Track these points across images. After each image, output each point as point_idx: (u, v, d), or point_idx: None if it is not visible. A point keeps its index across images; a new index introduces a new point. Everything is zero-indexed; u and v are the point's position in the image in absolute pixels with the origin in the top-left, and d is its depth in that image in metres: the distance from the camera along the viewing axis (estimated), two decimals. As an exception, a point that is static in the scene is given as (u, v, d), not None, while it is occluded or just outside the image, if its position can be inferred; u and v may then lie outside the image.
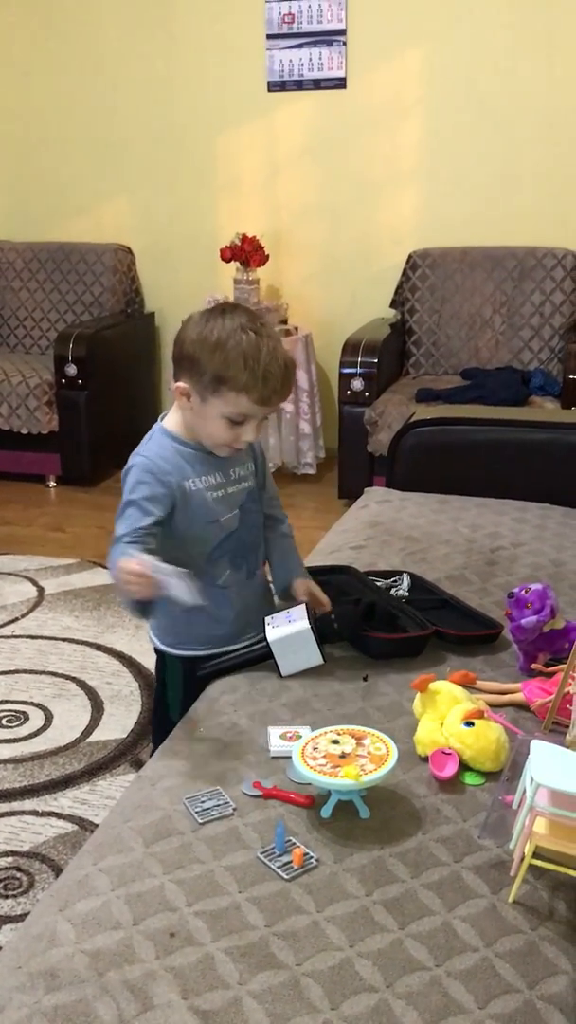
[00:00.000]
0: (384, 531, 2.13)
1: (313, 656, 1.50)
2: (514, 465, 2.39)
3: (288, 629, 1.50)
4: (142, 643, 2.69)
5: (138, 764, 2.17)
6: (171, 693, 1.67)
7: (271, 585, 1.69)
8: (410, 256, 4.10)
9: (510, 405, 3.38)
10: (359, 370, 3.71)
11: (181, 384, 1.47)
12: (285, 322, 4.20)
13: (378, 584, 1.79)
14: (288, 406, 4.06)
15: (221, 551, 1.56)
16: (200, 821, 1.18)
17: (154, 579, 1.26)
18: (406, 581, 1.82)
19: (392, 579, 1.84)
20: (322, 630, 1.52)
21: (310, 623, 1.49)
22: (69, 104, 4.53)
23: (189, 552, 1.51)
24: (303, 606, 1.54)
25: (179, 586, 1.25)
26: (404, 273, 4.11)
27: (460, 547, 2.03)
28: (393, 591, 1.79)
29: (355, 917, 1.03)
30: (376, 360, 3.71)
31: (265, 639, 1.51)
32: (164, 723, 1.62)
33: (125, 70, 4.41)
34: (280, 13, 4.12)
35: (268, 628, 1.52)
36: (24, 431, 4.04)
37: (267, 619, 1.54)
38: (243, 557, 1.59)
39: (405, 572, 1.85)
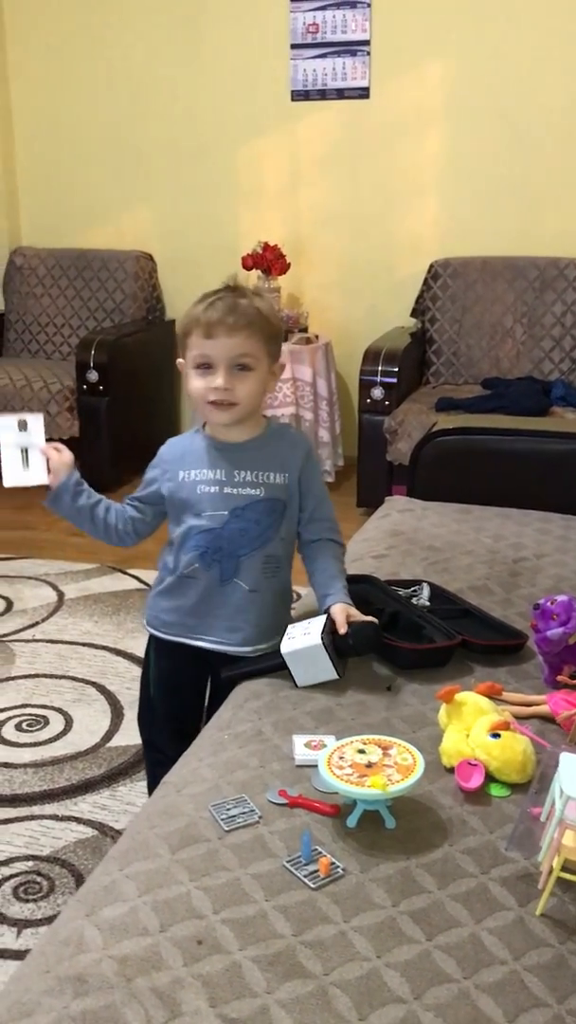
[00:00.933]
0: (406, 540, 2.13)
1: (327, 671, 1.49)
2: (537, 476, 2.39)
3: (300, 643, 1.50)
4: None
5: (158, 770, 2.18)
6: (151, 668, 1.75)
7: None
8: (431, 266, 4.10)
9: (531, 416, 3.37)
10: (379, 379, 3.71)
11: (179, 360, 1.59)
12: (305, 330, 4.21)
13: (399, 593, 1.79)
14: (307, 413, 4.07)
15: (194, 543, 1.59)
16: (226, 828, 1.18)
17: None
18: (426, 590, 1.82)
19: (412, 588, 1.83)
20: (338, 646, 1.51)
21: (322, 639, 1.48)
22: (93, 112, 4.57)
23: (173, 529, 1.64)
24: (323, 619, 1.53)
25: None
26: (425, 282, 4.12)
27: (483, 557, 2.02)
28: (414, 600, 1.79)
29: (382, 927, 1.03)
30: (396, 369, 3.71)
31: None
32: (144, 696, 1.79)
33: (149, 79, 4.44)
34: (304, 23, 4.14)
35: (285, 639, 1.52)
36: (45, 437, 4.05)
37: (288, 629, 1.54)
38: (216, 559, 1.59)
39: (424, 581, 1.84)
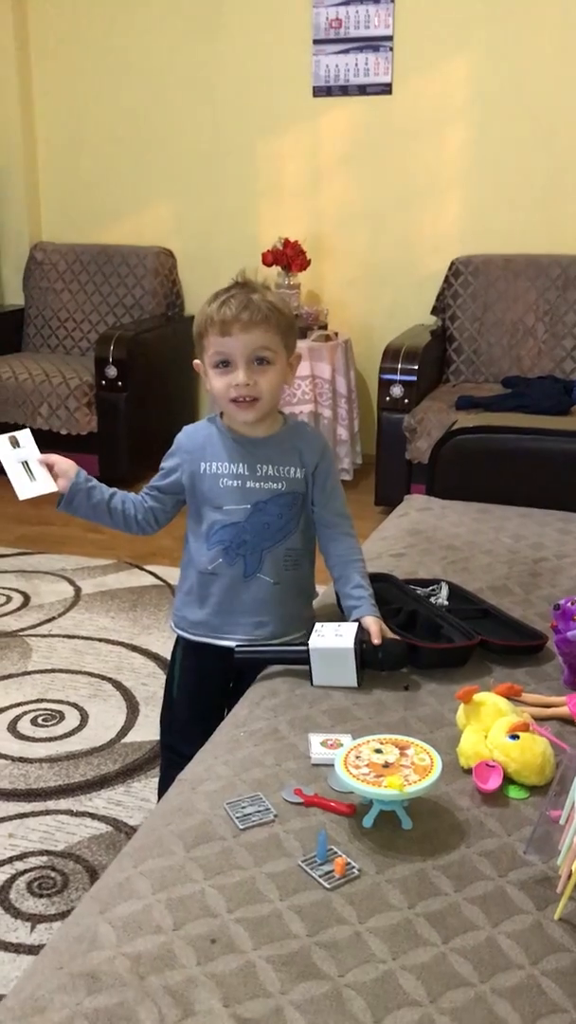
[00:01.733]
0: (425, 539, 2.11)
1: (349, 676, 1.48)
2: (557, 475, 2.37)
3: (332, 643, 1.48)
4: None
5: (173, 766, 2.17)
6: (176, 670, 1.74)
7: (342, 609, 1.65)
8: (453, 263, 4.08)
9: (552, 415, 3.35)
10: (399, 376, 3.69)
11: (196, 361, 1.59)
12: (325, 327, 4.19)
13: (418, 592, 1.78)
14: (326, 411, 4.05)
15: (217, 538, 1.59)
16: (241, 827, 1.17)
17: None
18: (444, 590, 1.80)
19: (430, 587, 1.82)
20: (366, 656, 1.50)
21: (355, 646, 1.47)
22: (114, 108, 4.57)
23: (193, 527, 1.63)
24: (355, 625, 1.52)
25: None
26: (446, 280, 4.09)
27: (502, 557, 2.00)
28: (432, 599, 1.77)
29: (397, 929, 1.02)
30: (416, 367, 3.69)
31: (307, 644, 1.50)
32: (167, 698, 1.78)
33: (171, 75, 4.43)
34: (327, 18, 4.13)
35: (314, 635, 1.51)
36: (64, 432, 4.07)
37: (317, 625, 1.53)
38: (239, 553, 1.59)
39: (443, 580, 1.83)
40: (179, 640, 1.72)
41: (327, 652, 1.48)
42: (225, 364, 1.53)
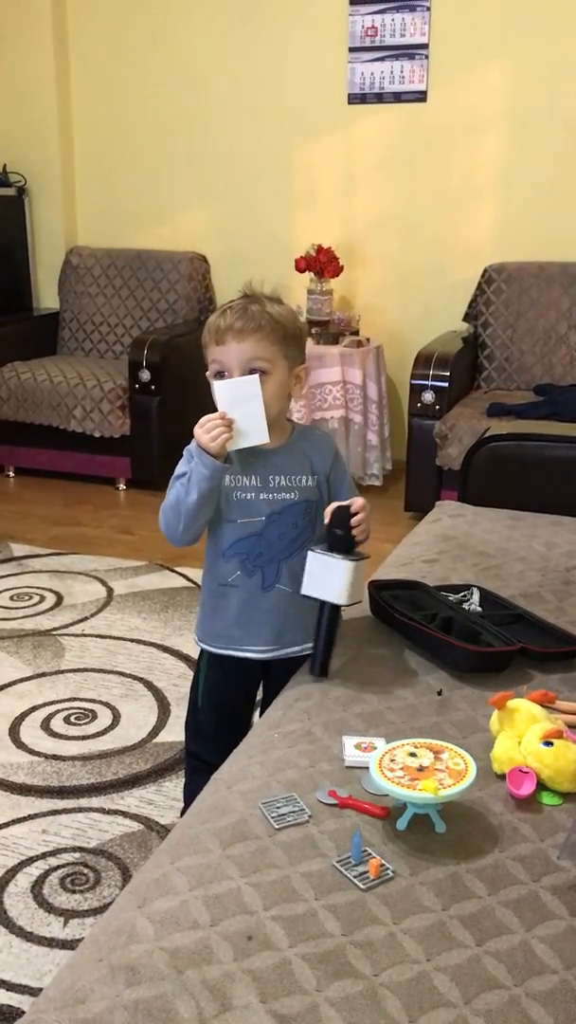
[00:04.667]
0: (457, 545, 2.12)
1: (337, 591, 1.50)
2: (591, 484, 2.36)
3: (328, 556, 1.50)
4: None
5: (203, 767, 2.19)
6: (200, 679, 1.74)
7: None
8: (486, 270, 4.08)
9: (584, 423, 3.34)
10: (430, 382, 3.70)
11: (207, 373, 1.58)
12: (356, 333, 4.21)
13: (450, 599, 1.79)
14: (357, 416, 4.07)
15: (234, 550, 1.59)
16: (276, 826, 1.19)
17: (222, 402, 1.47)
18: (476, 595, 1.81)
19: (462, 593, 1.83)
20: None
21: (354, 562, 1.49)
22: (151, 114, 4.61)
23: (210, 541, 1.64)
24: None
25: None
26: (479, 287, 4.09)
27: (535, 564, 2.01)
28: (465, 605, 1.78)
29: (432, 931, 1.03)
30: (448, 373, 3.70)
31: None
32: (191, 707, 1.77)
33: (207, 82, 4.47)
34: (363, 26, 4.15)
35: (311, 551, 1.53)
36: (97, 434, 4.11)
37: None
38: (257, 564, 1.59)
39: (474, 586, 1.84)
40: (203, 652, 1.72)
41: (324, 561, 1.49)
42: (222, 374, 1.53)
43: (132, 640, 2.84)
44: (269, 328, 1.51)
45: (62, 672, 2.65)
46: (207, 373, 1.59)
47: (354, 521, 1.51)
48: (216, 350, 1.53)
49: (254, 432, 1.50)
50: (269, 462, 1.59)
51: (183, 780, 2.14)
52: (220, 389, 1.51)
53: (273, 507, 1.58)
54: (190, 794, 1.70)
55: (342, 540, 1.51)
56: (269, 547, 1.59)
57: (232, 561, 1.60)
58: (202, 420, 1.51)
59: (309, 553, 1.52)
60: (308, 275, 4.20)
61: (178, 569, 3.34)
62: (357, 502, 1.53)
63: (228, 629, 1.65)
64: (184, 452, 1.59)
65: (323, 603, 1.53)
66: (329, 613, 1.53)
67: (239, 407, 1.49)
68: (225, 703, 1.73)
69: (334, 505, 1.53)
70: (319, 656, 1.54)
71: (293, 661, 1.62)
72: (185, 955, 0.99)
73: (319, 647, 1.54)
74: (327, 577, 1.51)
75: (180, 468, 1.58)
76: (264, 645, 1.63)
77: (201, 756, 1.74)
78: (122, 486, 4.20)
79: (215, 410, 1.52)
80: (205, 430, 1.50)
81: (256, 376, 1.48)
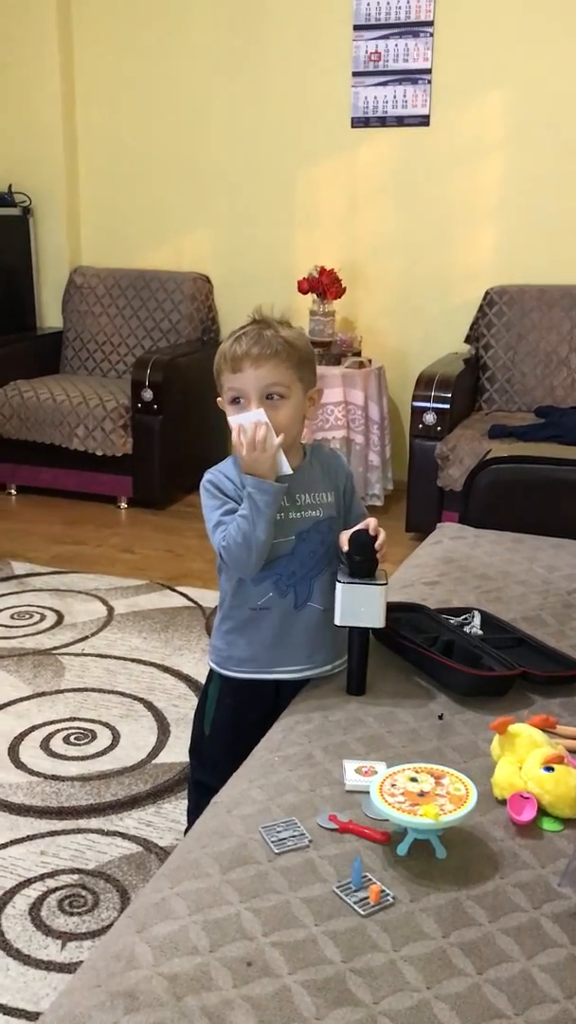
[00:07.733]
0: (458, 568, 2.12)
1: (374, 616, 1.53)
2: (592, 507, 2.37)
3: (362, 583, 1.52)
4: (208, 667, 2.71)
5: (203, 789, 2.18)
6: (208, 706, 1.71)
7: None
8: (487, 292, 4.10)
9: (586, 445, 3.35)
10: (432, 404, 3.71)
11: (219, 399, 1.58)
12: (359, 354, 4.22)
13: (451, 622, 1.79)
14: (358, 437, 4.08)
15: (266, 573, 1.58)
16: (276, 851, 1.18)
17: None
18: (477, 618, 1.81)
19: (463, 616, 1.83)
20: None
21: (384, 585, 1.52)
22: (155, 136, 4.66)
23: None
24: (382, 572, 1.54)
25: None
26: (480, 309, 4.12)
27: (536, 588, 2.01)
28: (465, 628, 1.78)
29: (432, 958, 1.02)
30: (450, 394, 3.71)
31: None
32: (197, 734, 1.74)
33: (211, 104, 4.52)
34: (367, 51, 4.19)
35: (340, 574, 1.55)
36: (99, 453, 4.12)
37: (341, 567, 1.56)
38: (290, 584, 1.59)
39: (475, 609, 1.84)
40: (216, 679, 1.69)
41: (356, 589, 1.51)
42: (238, 400, 1.53)
43: (132, 660, 2.84)
44: (285, 353, 1.51)
45: (62, 691, 2.65)
46: (220, 400, 1.58)
47: (376, 545, 1.53)
48: (232, 377, 1.52)
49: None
50: (293, 481, 1.58)
51: (183, 802, 2.14)
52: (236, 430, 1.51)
53: (302, 526, 1.58)
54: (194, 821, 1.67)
55: (364, 565, 1.52)
56: (301, 565, 1.59)
57: (263, 583, 1.59)
58: (238, 448, 1.50)
59: (338, 585, 1.53)
60: (310, 296, 4.22)
61: (179, 588, 3.34)
62: (371, 523, 1.55)
63: (260, 653, 1.62)
64: (204, 491, 1.59)
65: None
66: (362, 635, 1.56)
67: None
68: (239, 732, 1.66)
69: (351, 531, 1.54)
70: (355, 676, 1.57)
71: (304, 684, 1.62)
72: (184, 981, 0.99)
73: (353, 667, 1.57)
74: (362, 604, 1.52)
75: (214, 512, 1.57)
76: (297, 665, 1.62)
77: (209, 784, 1.69)
78: (124, 505, 4.20)
79: (219, 427, 1.52)
80: (248, 451, 1.48)
81: (262, 411, 1.49)
